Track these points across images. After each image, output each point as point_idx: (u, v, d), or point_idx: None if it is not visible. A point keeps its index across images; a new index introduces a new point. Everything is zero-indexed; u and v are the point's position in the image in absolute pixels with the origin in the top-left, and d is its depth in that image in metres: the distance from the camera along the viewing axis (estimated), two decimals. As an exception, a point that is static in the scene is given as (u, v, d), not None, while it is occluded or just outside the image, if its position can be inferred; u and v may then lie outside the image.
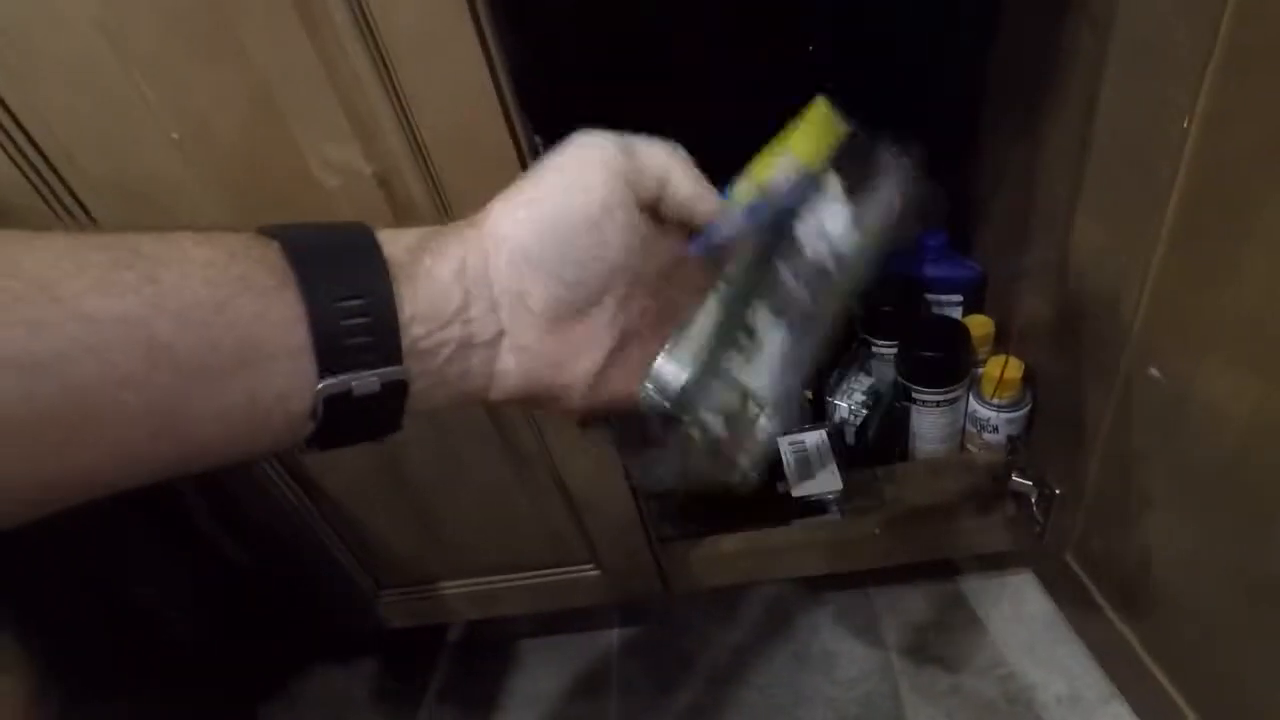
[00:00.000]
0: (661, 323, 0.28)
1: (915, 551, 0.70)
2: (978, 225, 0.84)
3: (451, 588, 0.74)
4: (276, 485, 0.59)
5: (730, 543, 0.70)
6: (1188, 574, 0.47)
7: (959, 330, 0.76)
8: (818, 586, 0.85)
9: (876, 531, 0.68)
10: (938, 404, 0.73)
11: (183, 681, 0.76)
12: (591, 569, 0.70)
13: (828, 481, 0.70)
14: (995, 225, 0.80)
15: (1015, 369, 0.69)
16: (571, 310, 0.26)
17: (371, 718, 0.86)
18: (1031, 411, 0.69)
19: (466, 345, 0.25)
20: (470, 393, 0.26)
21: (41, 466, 0.19)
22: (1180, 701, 0.51)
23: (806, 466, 0.72)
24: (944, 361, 0.73)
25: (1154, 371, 0.43)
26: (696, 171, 0.28)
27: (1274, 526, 0.39)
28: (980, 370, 0.73)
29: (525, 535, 0.68)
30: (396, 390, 0.24)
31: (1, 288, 0.18)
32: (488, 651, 0.90)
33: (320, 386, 0.23)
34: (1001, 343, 0.78)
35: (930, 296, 0.85)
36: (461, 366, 0.25)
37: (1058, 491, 0.58)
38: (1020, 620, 0.76)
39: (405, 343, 0.24)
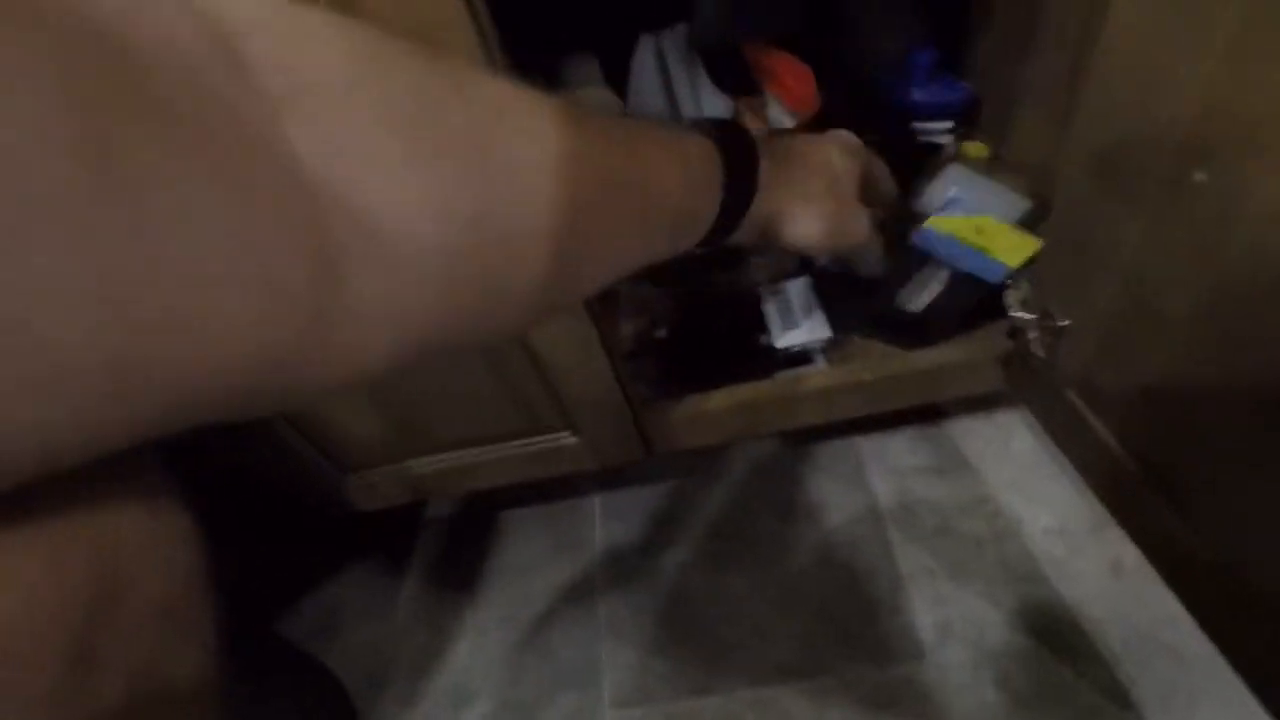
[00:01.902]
0: None
1: (905, 397, 0.67)
2: (973, 38, 0.76)
3: (422, 465, 0.70)
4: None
5: (713, 400, 0.66)
6: (1213, 408, 0.44)
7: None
8: (803, 439, 0.83)
9: (866, 378, 0.65)
10: (931, 239, 0.67)
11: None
12: (569, 436, 0.66)
13: (814, 330, 0.66)
14: (995, 36, 0.72)
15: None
16: None
17: (353, 601, 0.84)
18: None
19: None
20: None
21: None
22: (1181, 526, 0.49)
23: (790, 316, 0.67)
24: (936, 194, 0.67)
25: (1199, 175, 0.38)
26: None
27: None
28: (975, 201, 0.68)
29: (495, 406, 0.63)
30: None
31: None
32: (467, 526, 0.88)
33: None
34: (996, 171, 0.72)
35: (918, 125, 0.78)
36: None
37: (1063, 323, 0.54)
38: (1008, 459, 0.75)
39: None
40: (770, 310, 0.69)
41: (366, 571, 0.87)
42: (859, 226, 0.45)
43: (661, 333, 0.72)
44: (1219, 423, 0.44)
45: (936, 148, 0.76)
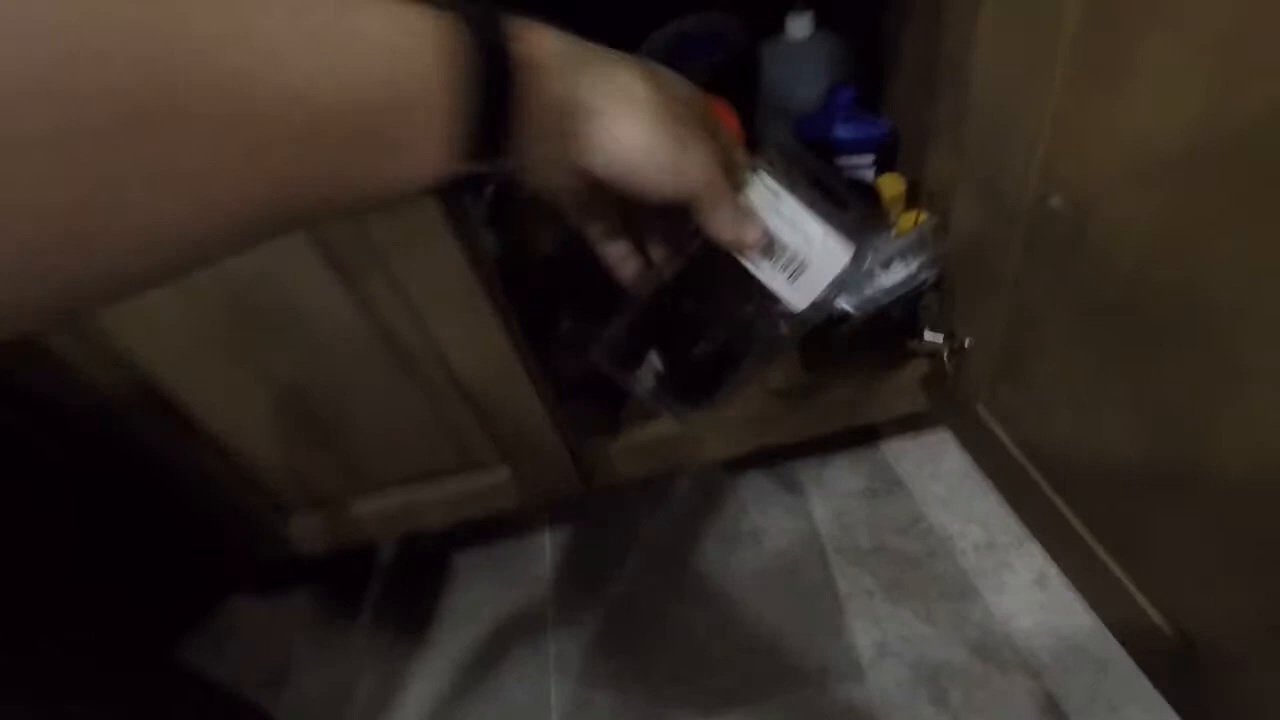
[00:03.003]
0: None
1: (834, 420, 0.69)
2: (887, 79, 0.80)
3: (362, 505, 0.70)
4: (138, 421, 0.53)
5: (646, 432, 0.68)
6: (1089, 412, 0.46)
7: (869, 193, 0.73)
8: (742, 466, 0.84)
9: (796, 402, 0.67)
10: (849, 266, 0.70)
11: (92, 639, 0.72)
12: (503, 470, 0.67)
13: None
14: (905, 77, 0.76)
15: (926, 224, 0.67)
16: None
17: (305, 647, 0.83)
18: (941, 267, 0.67)
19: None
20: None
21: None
22: (1087, 536, 0.51)
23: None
24: (855, 225, 0.70)
25: (1055, 201, 0.41)
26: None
27: (1167, 349, 0.38)
28: (892, 232, 0.71)
29: (428, 440, 0.64)
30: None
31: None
32: (420, 568, 0.88)
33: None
34: (913, 201, 0.75)
35: (840, 160, 0.82)
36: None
37: (967, 343, 0.57)
38: (939, 477, 0.77)
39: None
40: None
41: (317, 620, 0.86)
42: (705, 158, 0.29)
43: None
44: (1103, 430, 0.46)
45: (860, 182, 0.80)
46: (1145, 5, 0.33)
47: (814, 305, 0.33)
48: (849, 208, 0.33)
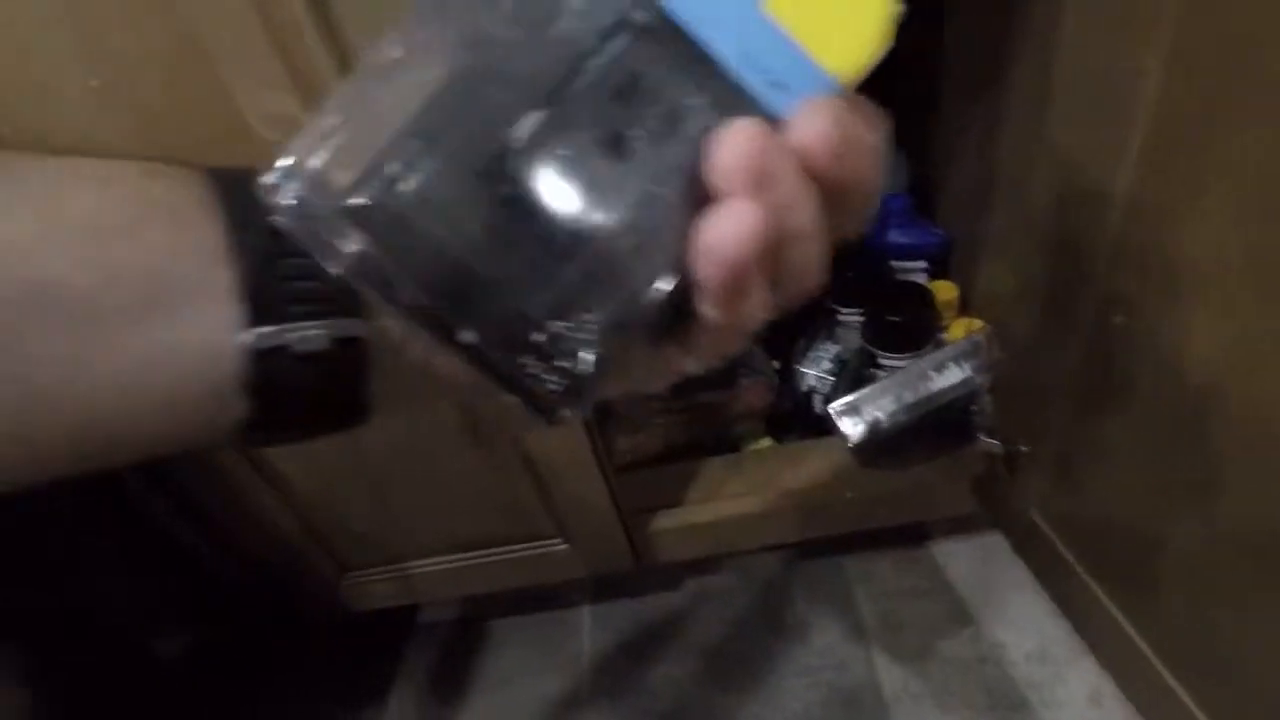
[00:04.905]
0: None
1: (886, 516, 0.70)
2: (941, 188, 0.84)
3: (416, 568, 0.72)
4: (232, 472, 0.57)
5: (701, 513, 0.69)
6: (1151, 526, 0.47)
7: (923, 294, 0.76)
8: (790, 556, 0.84)
9: (848, 495, 0.68)
10: (903, 368, 0.72)
11: (148, 686, 0.73)
12: (560, 544, 0.69)
13: None
14: (958, 188, 0.80)
15: (980, 331, 0.69)
16: None
17: (339, 704, 0.84)
18: (995, 374, 0.69)
19: None
20: None
21: None
22: (1149, 652, 0.51)
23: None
24: (909, 325, 0.72)
25: (1119, 319, 0.43)
26: None
27: (1233, 471, 0.39)
28: (944, 336, 0.73)
29: (490, 511, 0.66)
30: (352, 352, 0.19)
31: None
32: (458, 633, 0.89)
33: (248, 337, 0.18)
34: (965, 308, 0.78)
35: (895, 263, 0.85)
36: None
37: (1024, 449, 0.58)
38: (990, 581, 0.76)
39: None
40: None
41: (354, 681, 0.86)
42: None
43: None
44: (1165, 545, 0.47)
45: (916, 284, 0.82)
46: (1203, 145, 0.36)
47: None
48: None
